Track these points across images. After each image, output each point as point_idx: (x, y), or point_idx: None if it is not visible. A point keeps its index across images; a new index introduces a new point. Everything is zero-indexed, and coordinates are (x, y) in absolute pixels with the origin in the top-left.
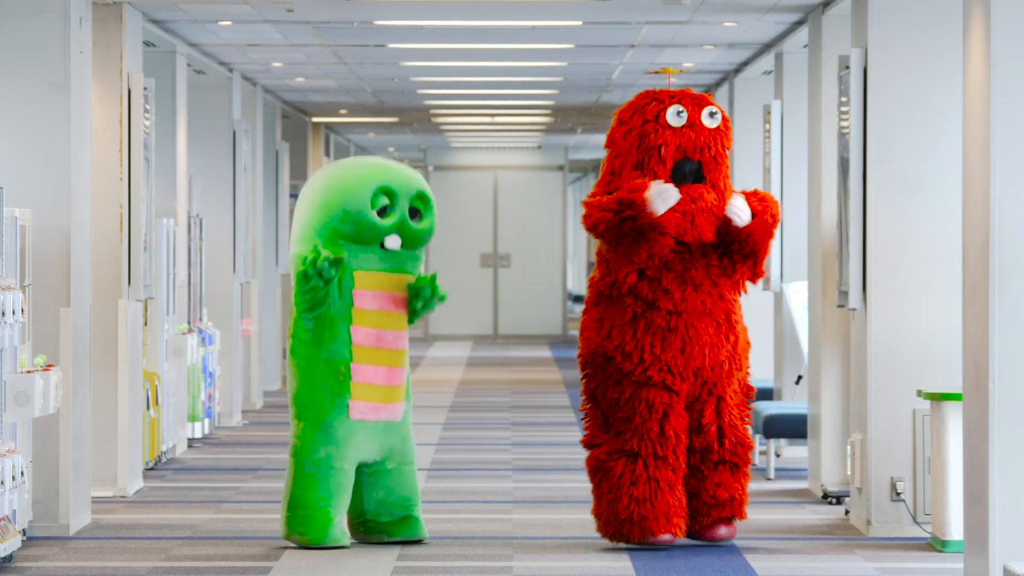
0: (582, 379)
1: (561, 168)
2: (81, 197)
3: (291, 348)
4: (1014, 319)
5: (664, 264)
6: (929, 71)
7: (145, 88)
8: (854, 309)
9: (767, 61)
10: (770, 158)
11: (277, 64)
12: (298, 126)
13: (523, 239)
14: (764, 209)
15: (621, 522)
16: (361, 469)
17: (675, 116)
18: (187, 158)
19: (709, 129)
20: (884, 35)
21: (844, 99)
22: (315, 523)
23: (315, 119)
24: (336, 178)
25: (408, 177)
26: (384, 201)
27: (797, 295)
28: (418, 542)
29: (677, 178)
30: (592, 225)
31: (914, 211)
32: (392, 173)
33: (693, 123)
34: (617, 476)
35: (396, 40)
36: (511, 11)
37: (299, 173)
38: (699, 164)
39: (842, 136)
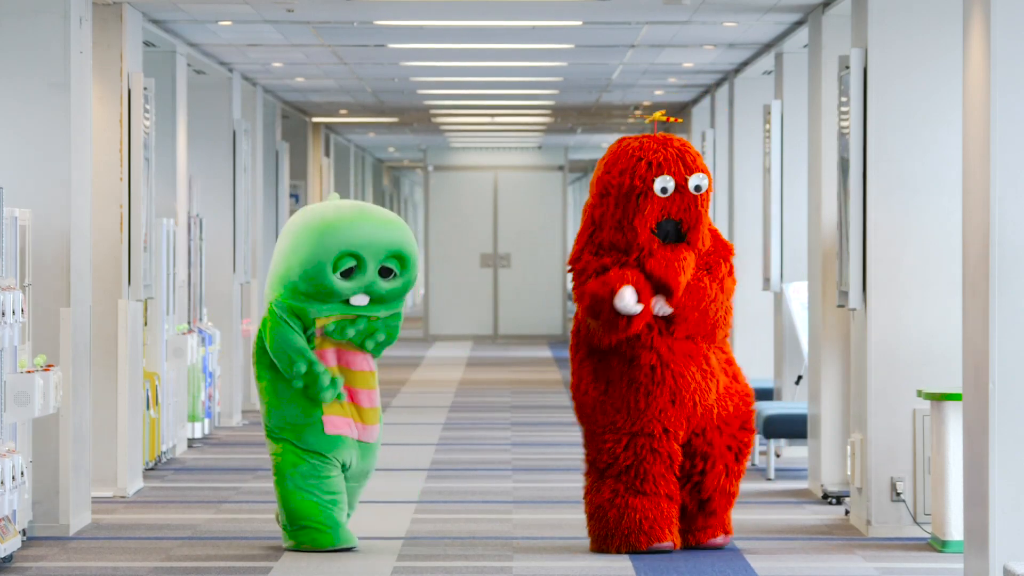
0: (582, 428)
1: (561, 168)
2: (81, 197)
3: (256, 373)
4: (1014, 319)
5: (647, 324)
6: (929, 71)
7: (145, 88)
8: (854, 309)
9: (767, 61)
10: (770, 158)
11: (277, 64)
12: (298, 126)
13: (523, 239)
14: (686, 306)
15: (624, 532)
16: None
17: (661, 191)
18: (187, 158)
19: (696, 196)
20: (884, 35)
21: (844, 99)
22: (322, 529)
23: (315, 119)
24: (303, 233)
25: (381, 235)
26: (350, 263)
27: (797, 295)
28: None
29: (659, 236)
30: (585, 308)
31: (914, 211)
32: (362, 232)
33: (680, 188)
34: (616, 503)
35: (396, 40)
36: (511, 11)
37: (299, 173)
38: (680, 222)
39: (842, 136)
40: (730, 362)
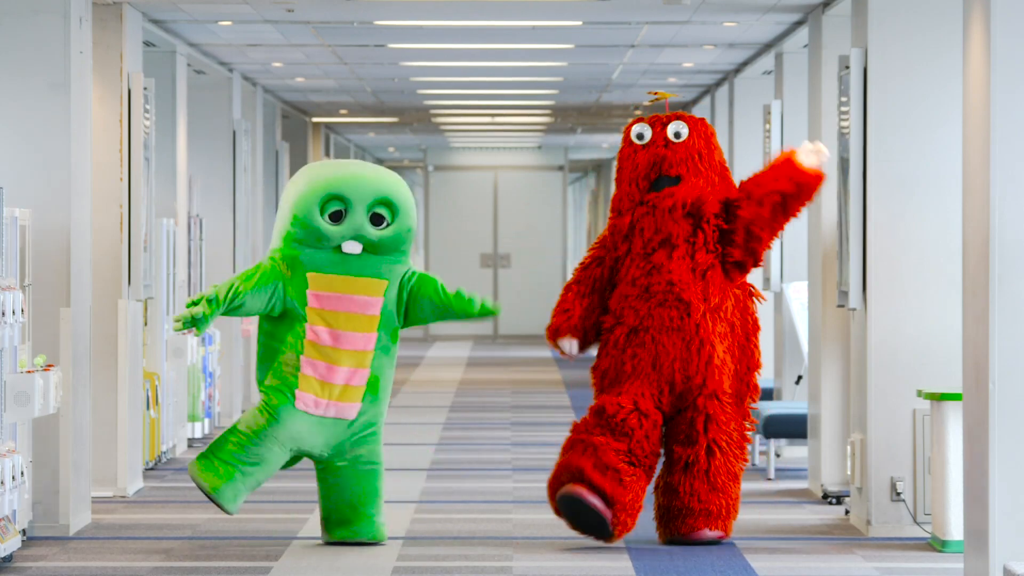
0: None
1: (561, 168)
2: (81, 197)
3: (258, 335)
4: (1014, 319)
5: (631, 280)
6: (929, 71)
7: (145, 88)
8: (854, 309)
9: (767, 61)
10: (770, 158)
11: (277, 64)
12: (298, 126)
13: (523, 239)
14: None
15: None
16: (316, 466)
17: (637, 137)
18: (187, 158)
19: (682, 143)
20: (884, 35)
21: (844, 99)
22: (217, 474)
23: (315, 119)
24: (296, 181)
25: (369, 182)
26: (337, 206)
27: (797, 295)
28: (372, 544)
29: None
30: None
31: (914, 211)
32: (349, 178)
33: (667, 141)
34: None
35: (396, 40)
36: (511, 11)
37: None
38: (678, 178)
39: (842, 136)
40: (737, 331)
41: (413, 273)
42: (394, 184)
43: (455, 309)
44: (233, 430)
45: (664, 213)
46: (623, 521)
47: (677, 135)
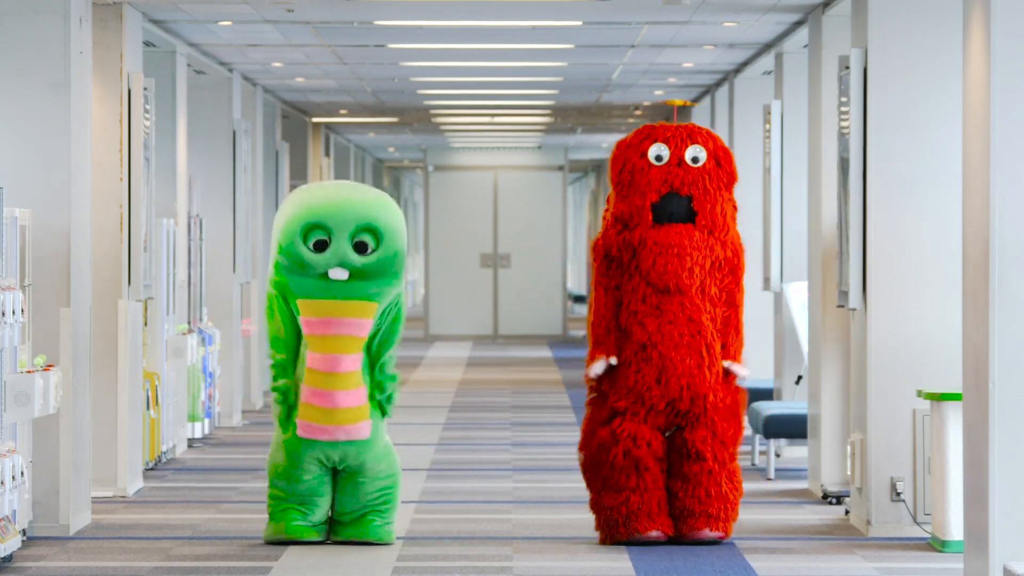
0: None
1: (561, 168)
2: (81, 197)
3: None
4: (1014, 319)
5: (642, 298)
6: (929, 71)
7: (145, 88)
8: (854, 309)
9: (767, 61)
10: (770, 158)
11: (277, 64)
12: (298, 126)
13: (523, 239)
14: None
15: (612, 525)
16: (335, 470)
17: (655, 158)
18: (187, 158)
19: (697, 168)
20: (884, 35)
21: (844, 99)
22: (277, 525)
23: (315, 119)
24: (283, 208)
25: (351, 210)
26: (320, 235)
27: (797, 295)
28: (379, 544)
29: (662, 214)
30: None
31: (914, 211)
32: (330, 206)
33: (681, 160)
34: (606, 497)
35: (396, 40)
36: (511, 11)
37: (299, 173)
38: (689, 198)
39: (842, 136)
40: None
41: (398, 306)
42: (378, 209)
43: (373, 376)
44: (269, 483)
45: (678, 257)
46: (665, 520)
47: (695, 160)
